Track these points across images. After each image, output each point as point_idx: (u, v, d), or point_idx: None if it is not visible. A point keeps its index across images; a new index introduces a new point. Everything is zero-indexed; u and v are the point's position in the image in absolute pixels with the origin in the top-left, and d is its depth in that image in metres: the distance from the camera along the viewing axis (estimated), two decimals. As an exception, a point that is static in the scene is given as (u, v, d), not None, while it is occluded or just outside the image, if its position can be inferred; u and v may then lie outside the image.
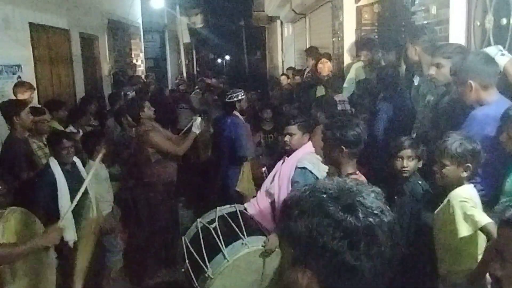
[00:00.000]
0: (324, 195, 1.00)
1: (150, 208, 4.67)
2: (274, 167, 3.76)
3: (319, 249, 0.96)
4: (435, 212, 2.65)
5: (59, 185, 3.70)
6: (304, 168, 3.30)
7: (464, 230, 2.41)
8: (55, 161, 3.78)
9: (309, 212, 0.99)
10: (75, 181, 3.85)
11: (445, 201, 2.55)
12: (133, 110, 4.70)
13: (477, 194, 2.52)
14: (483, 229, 2.35)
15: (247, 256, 3.17)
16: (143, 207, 4.78)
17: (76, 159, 4.03)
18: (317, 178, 3.27)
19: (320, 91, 6.18)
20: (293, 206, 1.04)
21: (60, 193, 3.71)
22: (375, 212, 0.97)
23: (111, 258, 4.58)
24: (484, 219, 2.34)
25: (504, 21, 3.36)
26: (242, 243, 3.18)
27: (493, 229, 2.27)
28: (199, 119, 4.72)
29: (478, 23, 3.72)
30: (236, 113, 5.06)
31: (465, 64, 2.78)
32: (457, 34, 3.86)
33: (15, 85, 5.45)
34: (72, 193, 3.74)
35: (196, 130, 4.67)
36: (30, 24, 6.74)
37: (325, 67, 6.40)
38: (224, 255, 3.12)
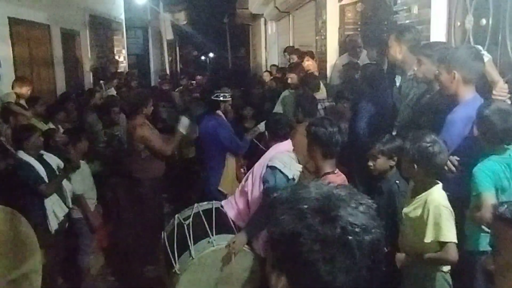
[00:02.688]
0: (305, 206, 0.97)
1: (139, 204, 4.63)
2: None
3: (295, 258, 0.94)
4: (406, 209, 2.64)
5: (36, 166, 3.82)
6: (274, 167, 3.28)
7: (429, 236, 2.43)
8: (22, 153, 3.86)
9: (289, 221, 0.97)
10: (47, 169, 3.92)
11: (421, 201, 2.54)
12: (138, 103, 4.66)
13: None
14: (443, 245, 2.41)
15: (212, 254, 3.18)
16: (131, 203, 4.74)
17: (43, 152, 4.05)
18: (287, 177, 3.26)
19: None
20: (276, 209, 1.02)
21: (40, 172, 3.81)
22: (356, 229, 0.94)
23: (83, 258, 4.52)
24: (451, 236, 2.39)
25: (483, 21, 3.41)
26: (209, 241, 3.21)
27: (452, 250, 2.38)
28: (187, 120, 4.62)
29: (459, 23, 3.77)
30: (219, 112, 5.04)
31: (454, 53, 2.85)
32: (438, 34, 3.91)
33: (15, 80, 5.86)
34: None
35: (183, 130, 4.60)
36: (10, 18, 6.64)
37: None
38: (190, 253, 3.15)
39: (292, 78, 5.70)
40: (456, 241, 2.41)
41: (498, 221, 1.27)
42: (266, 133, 3.60)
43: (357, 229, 0.94)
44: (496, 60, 3.13)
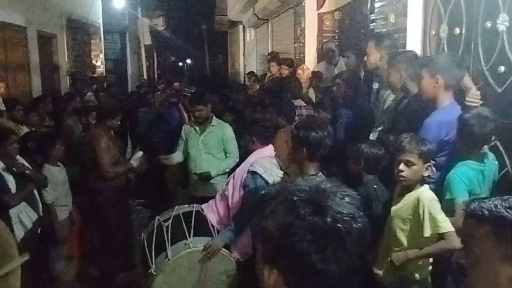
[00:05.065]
0: (296, 197, 1.00)
1: (104, 212, 4.57)
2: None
3: (287, 249, 0.97)
4: (395, 208, 2.69)
5: (4, 174, 3.66)
6: (254, 172, 3.30)
7: (428, 230, 2.48)
8: None
9: (280, 213, 1.00)
10: (18, 178, 3.78)
11: (412, 199, 2.58)
12: (106, 113, 4.56)
13: None
14: (443, 236, 2.45)
15: (189, 256, 3.21)
16: (97, 211, 4.68)
17: (18, 157, 3.91)
18: (267, 183, 3.26)
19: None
20: (267, 204, 1.05)
21: (7, 180, 3.65)
22: (345, 218, 0.97)
23: (54, 265, 4.43)
24: (448, 226, 2.43)
25: (457, 30, 3.53)
26: (185, 243, 3.23)
27: (454, 238, 2.39)
28: (140, 153, 4.65)
29: (434, 32, 3.88)
30: (180, 106, 5.58)
31: (438, 59, 2.96)
32: (414, 42, 4.03)
33: None
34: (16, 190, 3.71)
35: (134, 163, 4.58)
36: (-15, 20, 6.52)
37: (305, 74, 6.47)
38: (166, 254, 3.18)
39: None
40: (453, 229, 2.44)
41: (469, 218, 1.32)
42: (253, 138, 3.61)
43: (345, 218, 0.98)
44: (469, 68, 3.25)
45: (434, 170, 2.78)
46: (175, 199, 4.90)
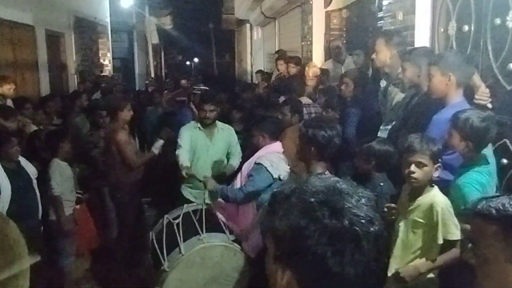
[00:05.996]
0: (312, 199, 0.97)
1: (118, 208, 4.62)
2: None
3: (303, 252, 0.94)
4: (406, 211, 2.63)
5: (2, 185, 3.60)
6: (260, 164, 3.36)
7: (440, 237, 2.45)
8: None
9: (295, 214, 0.97)
10: (20, 179, 3.78)
11: (425, 204, 2.53)
12: (113, 107, 4.65)
13: None
14: (451, 242, 2.44)
15: (202, 252, 3.22)
16: (111, 207, 4.72)
17: (21, 158, 3.92)
18: (272, 176, 3.34)
19: None
20: (279, 203, 1.02)
21: (2, 193, 3.58)
22: (362, 220, 0.95)
23: (63, 261, 4.41)
24: (458, 234, 2.41)
25: (465, 28, 3.49)
26: (199, 239, 3.24)
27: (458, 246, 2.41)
28: (161, 141, 4.70)
29: (442, 29, 3.85)
30: (192, 106, 5.52)
31: (449, 57, 2.94)
32: (422, 40, 4.00)
33: None
34: (19, 191, 3.69)
35: (155, 150, 4.68)
36: (-6, 19, 6.57)
37: (310, 71, 6.43)
38: (180, 250, 3.18)
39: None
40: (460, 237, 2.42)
41: (476, 217, 1.31)
42: (263, 134, 3.61)
43: (362, 221, 0.95)
44: (478, 65, 3.21)
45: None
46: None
